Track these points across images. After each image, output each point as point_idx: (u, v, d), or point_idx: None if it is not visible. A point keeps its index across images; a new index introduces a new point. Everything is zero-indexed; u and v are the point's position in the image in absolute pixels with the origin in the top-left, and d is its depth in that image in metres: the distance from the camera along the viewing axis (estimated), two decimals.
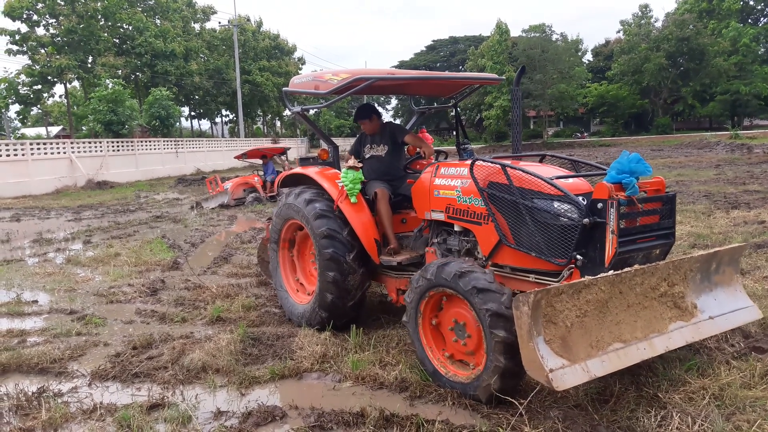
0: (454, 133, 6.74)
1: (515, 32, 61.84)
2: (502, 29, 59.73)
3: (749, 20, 60.07)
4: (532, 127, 66.32)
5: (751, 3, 59.55)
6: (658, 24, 59.18)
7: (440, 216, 5.10)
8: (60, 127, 65.22)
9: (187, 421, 4.09)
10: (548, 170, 4.71)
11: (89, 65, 42.32)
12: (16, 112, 47.64)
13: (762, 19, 60.68)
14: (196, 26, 56.12)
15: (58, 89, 46.60)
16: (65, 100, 47.91)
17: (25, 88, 41.23)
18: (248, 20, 62.84)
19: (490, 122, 60.24)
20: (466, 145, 6.34)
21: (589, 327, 3.61)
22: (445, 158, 6.56)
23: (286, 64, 65.59)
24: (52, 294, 7.87)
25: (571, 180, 4.51)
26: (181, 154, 37.53)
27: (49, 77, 40.69)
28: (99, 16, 41.65)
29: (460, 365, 4.40)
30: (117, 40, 45.59)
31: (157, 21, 49.05)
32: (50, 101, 57.04)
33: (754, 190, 14.88)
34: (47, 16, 39.81)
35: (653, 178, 4.28)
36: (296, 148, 53.35)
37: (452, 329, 4.34)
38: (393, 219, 5.69)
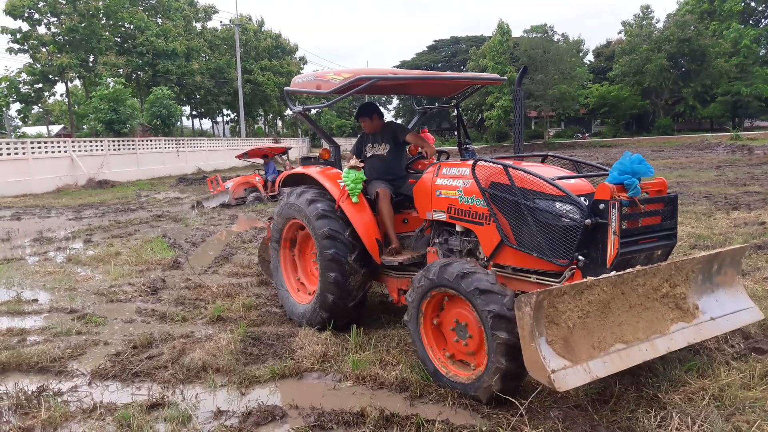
0: (456, 133, 6.73)
1: (517, 32, 61.99)
2: (503, 29, 59.76)
3: (750, 21, 60.04)
4: (533, 127, 66.36)
5: (753, 4, 59.53)
6: (660, 25, 59.25)
7: (442, 216, 5.09)
8: (61, 126, 65.28)
9: (187, 420, 4.09)
10: (550, 171, 4.70)
11: (90, 64, 42.36)
12: (17, 111, 47.60)
13: (763, 20, 60.67)
14: (198, 25, 56.18)
15: (59, 88, 46.65)
16: (66, 99, 47.94)
17: (26, 87, 41.26)
18: (250, 20, 62.87)
19: (491, 122, 60.28)
20: (467, 145, 6.33)
21: (591, 328, 3.60)
22: (447, 158, 6.54)
23: (287, 63, 65.62)
24: (52, 293, 7.86)
25: (573, 180, 4.50)
26: (182, 153, 37.54)
27: (51, 76, 40.75)
28: (100, 15, 41.72)
29: (461, 365, 4.39)
30: (118, 39, 45.61)
31: (159, 20, 49.08)
32: (51, 100, 56.98)
33: (755, 191, 14.87)
34: (49, 15, 39.85)
35: (655, 179, 4.27)
36: (297, 147, 53.39)
37: (453, 329, 4.34)
38: (394, 219, 5.68)
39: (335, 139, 6.42)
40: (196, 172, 35.96)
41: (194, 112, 62.57)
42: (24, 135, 55.64)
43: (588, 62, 67.64)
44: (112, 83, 34.45)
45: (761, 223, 10.14)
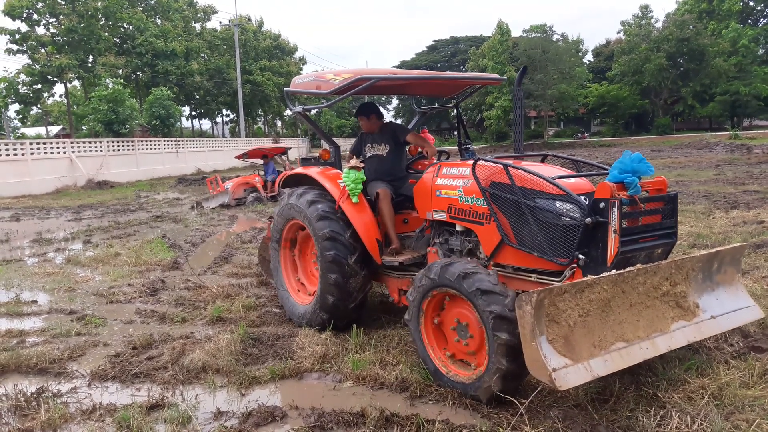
0: (455, 133, 6.72)
1: (516, 32, 62.01)
2: (503, 29, 59.76)
3: (749, 21, 60.08)
4: (532, 127, 66.39)
5: (751, 4, 59.56)
6: (659, 24, 59.26)
7: (442, 216, 5.08)
8: (60, 127, 65.21)
9: (187, 421, 4.08)
10: (550, 170, 4.70)
11: (89, 65, 42.35)
12: (15, 112, 47.68)
13: (762, 19, 60.72)
14: (197, 26, 56.16)
15: (58, 89, 46.66)
16: (65, 100, 47.92)
17: (25, 88, 41.25)
18: (249, 20, 62.88)
19: (490, 122, 60.29)
20: (467, 145, 6.32)
21: (592, 326, 3.60)
22: (447, 158, 6.54)
23: (287, 63, 65.64)
24: (51, 294, 7.85)
25: (573, 180, 4.50)
26: (181, 153, 37.52)
27: (49, 77, 40.71)
28: (99, 16, 41.70)
29: (462, 365, 4.39)
30: (117, 40, 45.60)
31: (158, 21, 49.07)
32: (50, 101, 57.09)
33: (754, 190, 14.88)
34: (47, 16, 39.81)
35: (655, 178, 4.27)
36: (297, 148, 53.35)
37: (454, 329, 4.33)
38: (395, 219, 5.67)
39: (335, 139, 6.41)
40: (196, 173, 35.93)
41: (194, 113, 62.58)
42: (23, 136, 55.64)
43: (587, 62, 67.68)
44: (111, 84, 34.43)
45: (760, 221, 10.14)
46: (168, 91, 40.17)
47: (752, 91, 52.69)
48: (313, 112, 7.69)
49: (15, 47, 39.89)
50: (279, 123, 79.32)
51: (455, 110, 6.67)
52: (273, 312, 6.60)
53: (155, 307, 7.03)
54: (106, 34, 43.09)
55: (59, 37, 40.21)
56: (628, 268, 3.76)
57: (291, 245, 6.42)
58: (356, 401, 4.28)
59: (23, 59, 43.52)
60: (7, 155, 24.27)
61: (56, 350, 5.51)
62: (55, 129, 64.80)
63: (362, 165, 5.72)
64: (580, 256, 4.00)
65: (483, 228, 4.65)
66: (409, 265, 5.43)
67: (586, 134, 65.55)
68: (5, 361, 5.25)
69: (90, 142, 30.13)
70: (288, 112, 64.89)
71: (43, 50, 40.03)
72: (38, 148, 26.16)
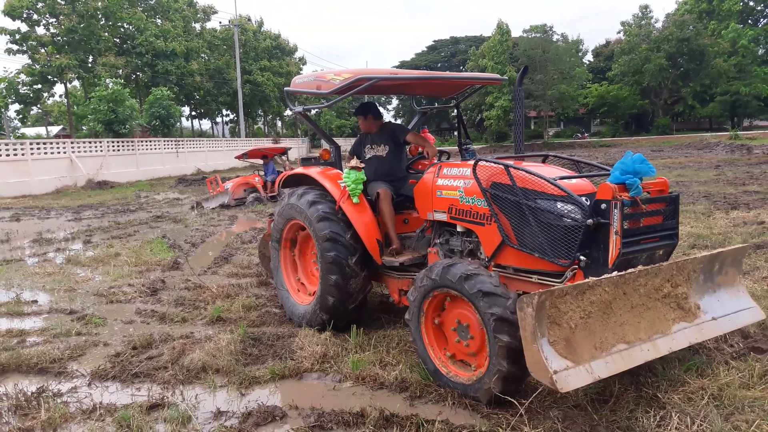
0: (455, 133, 6.72)
1: (516, 32, 62.01)
2: (503, 29, 59.77)
3: (749, 21, 60.07)
4: (532, 127, 66.39)
5: (751, 4, 59.56)
6: (659, 25, 59.27)
7: (443, 216, 5.07)
8: (60, 127, 65.21)
9: (187, 421, 4.08)
10: (551, 171, 4.69)
11: (89, 65, 42.33)
12: (15, 112, 47.62)
13: (762, 20, 60.71)
14: (197, 26, 56.14)
15: (58, 89, 46.66)
16: (65, 100, 47.91)
17: (25, 88, 41.24)
18: (249, 20, 62.86)
19: (490, 122, 60.33)
20: (468, 146, 6.32)
21: (593, 328, 3.59)
22: (448, 158, 6.53)
23: (287, 64, 65.63)
24: (51, 294, 7.85)
25: (574, 180, 4.49)
26: (181, 153, 37.51)
27: (49, 77, 40.71)
28: (99, 16, 41.66)
29: (462, 365, 4.38)
30: (117, 40, 45.59)
31: (158, 21, 49.05)
32: (50, 101, 57.11)
33: (754, 190, 14.87)
34: (47, 16, 39.80)
35: (656, 179, 4.26)
36: (297, 148, 53.35)
37: (455, 330, 4.33)
38: (395, 219, 5.67)
39: (335, 139, 6.41)
40: (196, 173, 35.92)
41: (193, 113, 62.55)
42: (23, 136, 55.65)
43: (587, 62, 67.69)
44: (111, 84, 34.42)
45: (760, 222, 10.14)
46: (168, 91, 40.16)
47: (752, 91, 52.70)
48: (313, 112, 7.69)
49: (15, 47, 39.90)
50: (279, 123, 79.32)
51: (455, 110, 6.67)
52: (273, 312, 6.59)
53: (155, 307, 7.02)
54: (106, 34, 43.09)
55: (59, 37, 40.20)
56: (630, 270, 3.75)
57: (291, 245, 6.41)
58: (356, 401, 4.27)
59: (23, 59, 43.67)
60: (8, 155, 24.26)
61: (56, 350, 5.50)
62: (55, 129, 64.80)
63: (362, 165, 5.72)
64: (582, 258, 3.99)
65: (484, 229, 4.65)
66: (410, 266, 5.42)
67: (586, 134, 65.55)
68: (6, 361, 5.25)
69: (90, 142, 30.12)
70: (288, 112, 64.91)
71: (43, 50, 40.03)
72: (38, 148, 26.15)
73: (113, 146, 31.17)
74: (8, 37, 38.77)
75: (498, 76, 6.34)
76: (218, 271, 8.97)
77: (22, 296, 7.71)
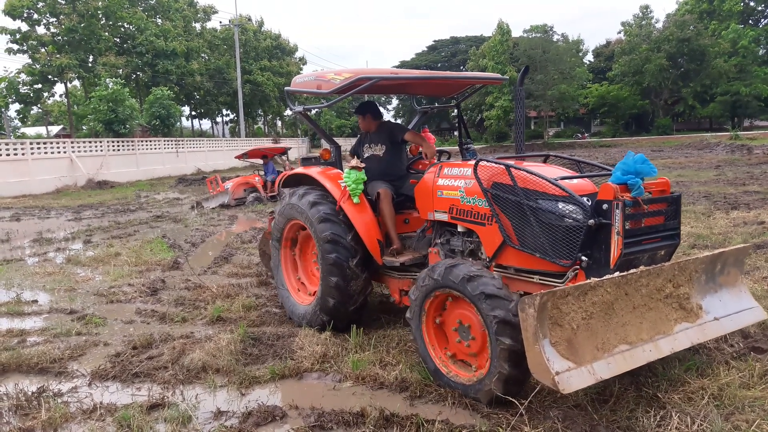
0: (456, 133, 6.72)
1: (516, 32, 61.95)
2: (503, 29, 59.73)
3: (750, 21, 60.05)
4: (532, 127, 66.38)
5: (752, 4, 59.53)
6: (659, 25, 59.23)
7: (443, 216, 5.06)
8: (60, 127, 65.20)
9: (187, 421, 4.07)
10: (552, 171, 4.68)
11: (90, 64, 42.30)
12: (16, 111, 47.59)
13: (762, 20, 60.67)
14: (197, 26, 56.14)
15: (59, 88, 46.57)
16: (65, 100, 47.88)
17: (25, 87, 41.21)
18: (249, 20, 62.84)
19: (490, 122, 60.30)
20: (468, 145, 6.31)
21: (595, 329, 3.58)
22: (448, 158, 6.52)
23: (287, 63, 65.59)
24: (52, 294, 7.84)
25: (575, 181, 4.48)
26: (181, 153, 37.50)
27: (50, 76, 40.68)
28: (100, 15, 41.63)
29: (462, 365, 4.37)
30: (118, 40, 45.55)
31: (158, 20, 49.04)
32: (50, 101, 57.03)
33: (754, 190, 14.87)
34: (48, 15, 39.78)
35: (658, 179, 4.25)
36: (297, 148, 53.35)
37: (456, 330, 4.32)
38: (395, 219, 5.66)
39: (335, 139, 6.40)
40: (196, 173, 35.91)
41: (194, 113, 62.55)
42: (23, 135, 55.65)
43: (587, 62, 67.64)
44: (111, 84, 34.40)
45: (760, 222, 10.13)
46: (168, 91, 40.13)
47: (753, 91, 52.67)
48: (313, 111, 7.68)
49: (15, 47, 39.88)
50: (279, 123, 79.29)
51: (456, 110, 6.66)
52: (273, 312, 6.59)
53: (155, 307, 7.02)
54: (107, 33, 43.06)
55: (59, 37, 40.18)
56: (631, 270, 3.74)
57: (292, 244, 6.40)
58: (356, 401, 4.27)
59: (23, 59, 43.76)
60: (8, 155, 24.25)
61: (57, 350, 5.50)
62: (55, 129, 64.78)
63: (363, 165, 5.71)
64: (583, 258, 3.98)
65: (485, 229, 4.64)
66: (410, 266, 5.41)
67: (586, 134, 65.51)
68: (6, 361, 5.24)
69: (90, 142, 30.11)
70: (288, 112, 64.90)
71: (43, 50, 40.01)
72: (38, 148, 26.14)
73: (113, 146, 31.16)
74: (9, 36, 38.75)
75: (499, 75, 6.32)
76: (218, 270, 8.96)
77: (22, 296, 7.70)
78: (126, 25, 45.25)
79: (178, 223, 14.61)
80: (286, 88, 6.21)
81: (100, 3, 40.54)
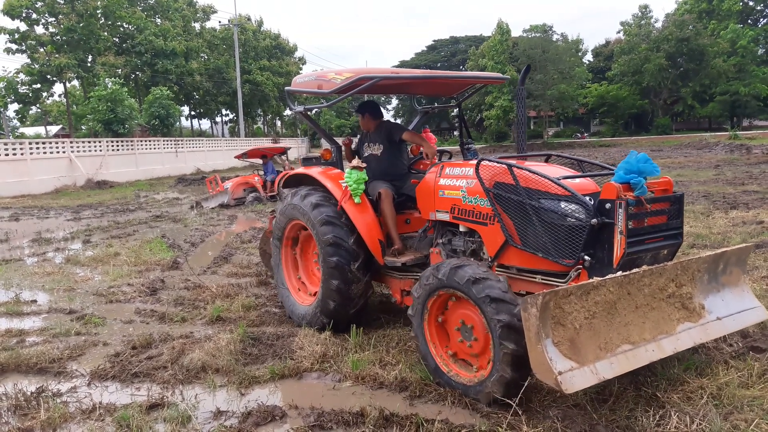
0: (456, 132, 6.71)
1: (516, 32, 61.95)
2: (503, 29, 59.71)
3: (749, 21, 60.11)
4: (532, 127, 66.40)
5: (751, 4, 59.60)
6: (658, 24, 59.31)
7: (445, 216, 5.04)
8: (59, 127, 65.15)
9: (186, 420, 4.06)
10: (555, 170, 4.67)
11: (89, 64, 42.25)
12: (15, 111, 47.66)
13: (761, 20, 60.76)
14: (197, 25, 56.09)
15: (58, 88, 46.55)
16: (64, 100, 47.85)
17: (24, 87, 41.19)
18: (249, 20, 62.78)
19: (490, 122, 60.29)
20: (469, 145, 6.29)
21: (598, 329, 3.57)
22: (449, 158, 6.50)
23: (286, 63, 65.54)
24: (51, 293, 7.82)
25: (577, 180, 4.47)
26: (181, 153, 37.47)
27: (49, 76, 40.63)
28: (99, 15, 41.58)
29: (463, 365, 4.36)
30: (117, 39, 45.54)
31: (157, 20, 49.00)
32: (49, 100, 56.93)
33: (753, 190, 14.88)
34: (47, 15, 39.69)
35: (661, 178, 4.24)
36: (297, 147, 53.30)
37: (458, 329, 4.30)
38: (397, 219, 5.64)
39: (335, 139, 6.38)
40: (195, 173, 35.88)
41: (193, 113, 62.51)
42: (22, 135, 55.61)
43: (587, 62, 67.72)
44: (110, 83, 34.37)
45: (759, 222, 10.14)
46: (167, 91, 40.10)
47: (752, 91, 52.79)
48: (313, 111, 7.66)
49: (14, 47, 39.82)
50: (278, 123, 79.25)
51: (456, 110, 6.64)
52: (272, 312, 6.57)
53: (155, 307, 7.00)
54: (106, 33, 43.02)
55: (58, 37, 40.11)
56: (634, 270, 3.73)
57: (292, 243, 6.38)
58: (356, 401, 4.26)
59: (22, 59, 43.44)
60: (7, 155, 24.22)
61: (56, 350, 5.48)
62: (54, 129, 64.73)
63: (364, 165, 5.68)
64: (586, 258, 3.97)
65: (487, 229, 4.62)
66: (412, 266, 5.39)
67: (585, 134, 65.59)
68: (5, 361, 5.23)
69: (89, 142, 30.09)
70: (287, 111, 64.87)
71: (42, 50, 39.98)
72: (37, 148, 26.11)
73: (112, 146, 31.13)
74: (7, 36, 38.68)
75: (500, 75, 6.30)
76: (218, 270, 8.94)
77: (21, 296, 7.68)
78: (125, 25, 45.22)
79: (178, 223, 14.59)
80: (286, 87, 6.19)
81: (99, 2, 40.47)
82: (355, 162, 5.65)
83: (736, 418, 3.69)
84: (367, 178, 5.60)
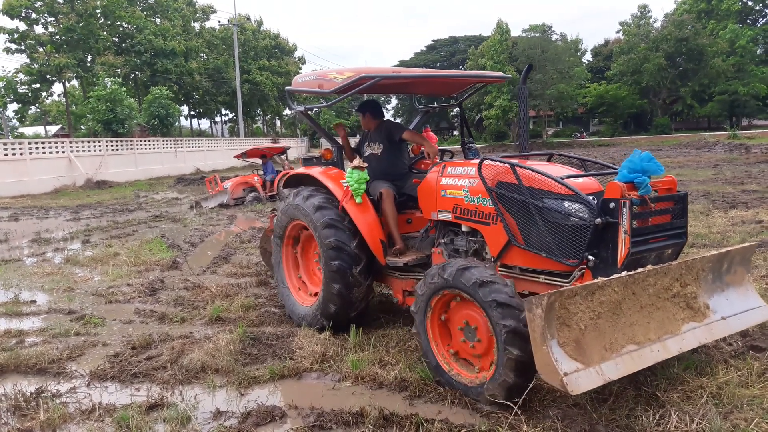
0: (455, 132, 6.69)
1: (515, 32, 61.93)
2: (502, 29, 59.72)
3: (748, 20, 60.15)
4: (531, 126, 66.29)
5: (750, 3, 59.63)
6: (657, 24, 59.41)
7: (447, 216, 5.01)
8: (58, 126, 65.14)
9: (186, 421, 4.04)
10: (557, 169, 4.64)
11: (88, 64, 42.21)
12: (14, 111, 47.60)
13: (761, 20, 60.81)
14: (196, 25, 56.05)
15: (57, 88, 46.58)
16: (64, 99, 47.81)
17: (23, 87, 41.12)
18: (248, 19, 62.74)
19: (489, 122, 60.27)
20: (470, 145, 6.26)
21: (603, 329, 3.54)
22: (451, 158, 6.48)
23: (286, 63, 65.48)
24: (50, 294, 7.79)
25: (581, 179, 4.44)
26: (180, 153, 37.46)
27: (48, 76, 40.59)
28: (98, 15, 41.53)
29: (465, 364, 4.33)
30: (116, 39, 45.48)
31: (157, 20, 48.97)
32: (49, 100, 56.87)
33: (752, 189, 14.89)
34: (46, 15, 39.64)
35: (664, 177, 4.21)
36: (296, 147, 53.30)
37: (461, 329, 4.26)
38: (398, 219, 5.61)
39: (335, 138, 6.35)
40: (195, 173, 35.88)
41: (192, 112, 62.47)
42: (21, 135, 55.54)
43: (586, 62, 67.73)
44: (110, 83, 34.34)
45: (758, 221, 10.13)
46: (167, 91, 40.09)
47: (751, 90, 52.84)
48: (313, 111, 7.64)
49: (13, 46, 39.75)
50: (278, 122, 79.20)
51: (457, 109, 6.60)
52: (272, 312, 6.55)
53: (154, 307, 6.97)
54: (105, 33, 42.95)
55: (58, 37, 40.05)
56: (639, 270, 3.70)
57: (293, 243, 6.34)
58: (355, 401, 4.24)
59: (22, 58, 43.47)
60: (6, 155, 24.21)
61: (55, 350, 5.45)
62: (53, 128, 64.70)
63: (365, 165, 5.65)
64: (590, 257, 3.94)
65: (489, 228, 4.59)
66: (413, 266, 5.36)
67: (584, 134, 65.61)
68: (4, 361, 5.20)
69: (89, 142, 30.07)
70: (287, 111, 64.82)
71: (41, 49, 39.92)
72: (37, 148, 26.10)
73: (112, 146, 31.12)
74: (7, 36, 38.61)
75: (501, 74, 6.28)
76: (217, 270, 8.91)
77: (20, 296, 7.66)
78: (124, 25, 45.18)
79: (177, 223, 14.57)
80: (287, 87, 6.17)
81: (98, 2, 40.42)
82: (357, 162, 5.61)
83: (736, 417, 3.68)
84: (368, 177, 5.57)
